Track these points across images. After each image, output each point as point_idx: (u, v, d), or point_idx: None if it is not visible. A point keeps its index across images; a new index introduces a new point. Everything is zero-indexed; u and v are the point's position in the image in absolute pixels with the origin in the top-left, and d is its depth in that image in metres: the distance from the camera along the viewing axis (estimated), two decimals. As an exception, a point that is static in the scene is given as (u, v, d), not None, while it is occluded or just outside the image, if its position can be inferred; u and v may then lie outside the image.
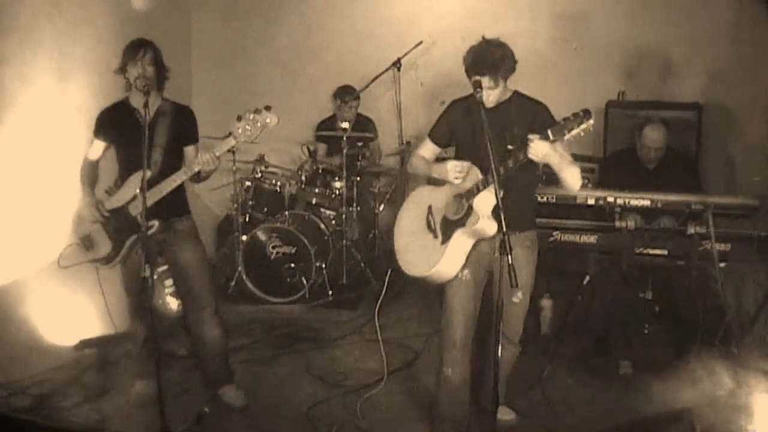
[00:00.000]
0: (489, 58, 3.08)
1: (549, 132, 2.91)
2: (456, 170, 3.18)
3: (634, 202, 3.89)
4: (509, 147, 3.05)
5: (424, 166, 3.39)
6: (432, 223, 3.30)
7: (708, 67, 5.40)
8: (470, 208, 3.14)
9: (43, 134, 4.59)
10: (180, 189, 3.50)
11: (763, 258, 3.86)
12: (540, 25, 5.65)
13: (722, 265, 3.79)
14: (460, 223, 3.16)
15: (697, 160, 5.10)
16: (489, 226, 3.11)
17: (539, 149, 2.93)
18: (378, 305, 3.70)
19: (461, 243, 3.18)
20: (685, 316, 4.12)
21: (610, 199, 3.92)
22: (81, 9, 4.96)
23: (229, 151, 5.17)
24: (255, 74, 6.43)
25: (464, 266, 3.21)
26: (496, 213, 3.07)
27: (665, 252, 3.92)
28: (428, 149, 3.41)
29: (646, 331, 4.23)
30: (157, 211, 3.35)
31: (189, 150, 3.58)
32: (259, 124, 3.30)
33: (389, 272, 3.69)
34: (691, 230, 3.79)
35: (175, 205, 3.54)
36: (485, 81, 3.09)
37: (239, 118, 3.32)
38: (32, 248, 4.52)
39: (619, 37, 5.62)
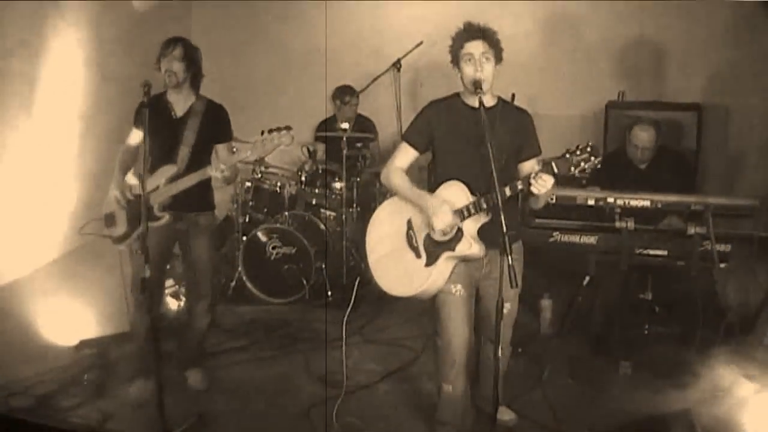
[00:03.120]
0: (479, 25, 3.03)
1: (553, 165, 2.78)
2: (444, 219, 2.99)
3: (633, 203, 3.89)
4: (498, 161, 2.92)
5: (404, 188, 3.15)
6: (414, 240, 3.14)
7: (708, 67, 5.40)
8: (460, 231, 3.02)
9: (44, 135, 4.60)
10: (206, 185, 3.61)
11: (764, 258, 3.86)
12: (540, 26, 5.66)
13: (722, 265, 3.79)
14: (449, 246, 3.03)
15: (697, 160, 5.10)
16: (479, 250, 3.03)
17: (546, 184, 2.80)
18: (347, 314, 3.61)
19: (447, 266, 3.08)
20: (685, 317, 4.12)
21: (610, 200, 3.92)
22: (82, 11, 4.97)
23: (229, 152, 5.21)
24: (255, 75, 6.43)
25: (456, 281, 3.11)
26: (481, 233, 3.04)
27: (665, 252, 3.92)
28: (405, 155, 3.18)
29: (646, 332, 4.23)
30: (176, 204, 3.51)
31: (220, 148, 3.68)
32: (275, 142, 3.32)
33: (357, 282, 3.65)
34: (691, 231, 3.79)
35: (201, 200, 3.68)
36: (480, 46, 2.96)
37: (262, 133, 3.34)
38: (32, 248, 4.53)
39: (618, 39, 5.62)
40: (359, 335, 4.63)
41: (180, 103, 3.61)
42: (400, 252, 3.18)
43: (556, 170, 2.79)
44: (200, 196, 3.65)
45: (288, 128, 3.34)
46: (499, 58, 3.05)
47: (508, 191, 2.89)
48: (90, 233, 3.80)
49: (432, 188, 3.16)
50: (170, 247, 3.83)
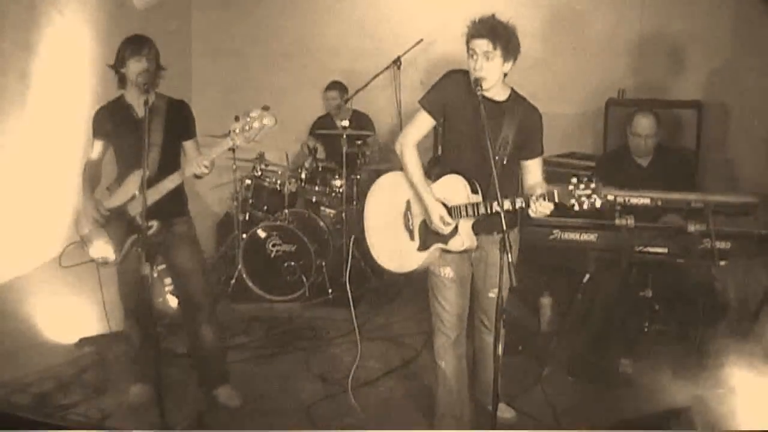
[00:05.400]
0: (491, 22, 2.98)
1: (555, 194, 2.82)
2: (441, 220, 3.05)
3: (634, 201, 3.89)
4: (496, 157, 2.96)
5: (413, 173, 3.13)
6: (410, 223, 3.22)
7: (708, 64, 5.40)
8: (455, 227, 3.08)
9: (44, 133, 4.60)
10: (179, 190, 3.46)
11: (763, 256, 3.86)
12: (540, 23, 5.65)
13: (722, 263, 3.79)
14: (443, 239, 3.11)
15: (697, 157, 5.10)
16: (471, 245, 3.10)
17: (544, 211, 2.88)
18: (346, 274, 3.64)
19: (437, 253, 3.18)
20: (685, 315, 4.12)
21: (610, 198, 3.91)
22: (81, 7, 4.96)
23: (228, 149, 5.22)
24: (255, 72, 6.43)
25: (445, 264, 3.19)
26: (475, 225, 3.10)
27: (665, 250, 3.91)
28: (421, 125, 3.15)
29: (645, 330, 4.23)
30: (156, 211, 3.29)
31: (188, 145, 3.54)
32: (256, 125, 3.23)
33: (351, 240, 3.68)
34: (691, 228, 3.79)
35: (174, 206, 3.50)
36: (483, 44, 2.94)
37: (236, 119, 3.25)
38: (32, 246, 4.52)
39: (618, 36, 5.62)
40: (359, 333, 4.62)
41: (141, 103, 3.32)
42: (395, 229, 3.27)
43: (557, 200, 2.83)
44: (172, 202, 3.44)
45: (265, 108, 3.24)
46: (509, 57, 3.01)
47: (507, 204, 2.90)
48: (73, 264, 3.62)
49: (437, 173, 3.19)
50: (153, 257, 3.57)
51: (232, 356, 4.10)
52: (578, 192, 2.78)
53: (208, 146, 3.46)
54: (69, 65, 4.84)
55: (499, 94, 3.10)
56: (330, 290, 5.18)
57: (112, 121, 3.46)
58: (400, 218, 3.26)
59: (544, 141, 3.18)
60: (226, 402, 3.70)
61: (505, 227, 2.74)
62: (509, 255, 2.72)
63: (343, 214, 5.44)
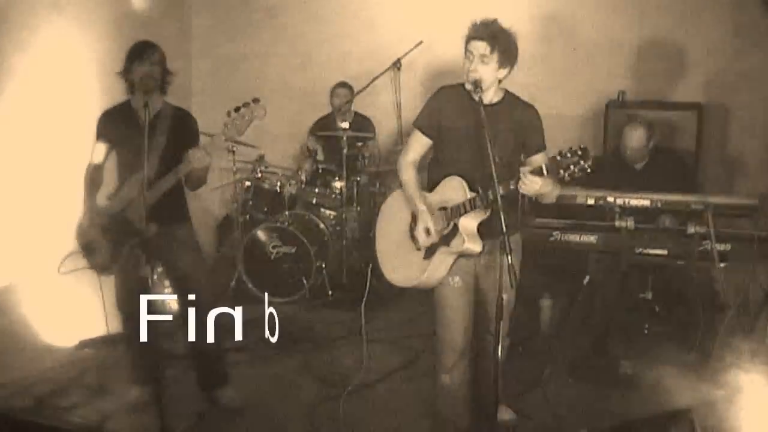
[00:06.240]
0: (492, 26, 2.98)
1: (544, 168, 2.78)
2: (425, 230, 3.11)
3: (633, 202, 3.89)
4: (497, 159, 2.92)
5: (408, 187, 3.22)
6: (415, 232, 3.22)
7: (708, 67, 5.40)
8: (455, 227, 3.06)
9: (45, 135, 4.60)
10: (179, 194, 3.47)
11: (764, 258, 3.86)
12: (540, 25, 5.65)
13: (722, 265, 3.79)
14: (445, 241, 3.10)
15: (697, 159, 5.10)
16: (474, 246, 3.06)
17: (533, 186, 2.83)
18: (363, 302, 3.67)
19: (443, 260, 3.13)
20: (685, 316, 4.12)
21: (610, 199, 3.92)
22: (81, 9, 4.96)
23: (228, 151, 5.23)
24: (255, 73, 6.42)
25: (453, 273, 3.16)
26: (481, 229, 3.07)
27: (665, 252, 3.92)
28: (418, 144, 3.22)
29: (646, 331, 4.23)
30: (155, 215, 3.28)
31: (191, 152, 3.49)
32: (246, 118, 3.25)
33: (370, 268, 3.66)
34: (691, 230, 3.80)
35: (173, 211, 3.51)
36: (481, 47, 2.94)
37: (228, 114, 3.27)
38: (33, 249, 4.52)
39: (619, 38, 5.61)
40: (359, 335, 4.62)
41: (147, 108, 3.30)
42: (403, 242, 3.26)
43: (545, 172, 2.78)
44: (172, 206, 3.45)
45: (255, 100, 3.25)
46: (506, 63, 3.01)
47: (501, 190, 2.89)
48: (70, 271, 3.63)
49: (434, 180, 3.20)
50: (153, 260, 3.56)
51: (231, 358, 4.10)
52: (565, 161, 2.73)
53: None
54: (70, 68, 4.84)
55: (493, 98, 3.10)
56: (330, 292, 5.18)
57: (117, 125, 3.47)
58: (407, 231, 3.26)
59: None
60: (227, 403, 3.70)
61: (504, 229, 2.74)
62: (509, 257, 2.71)
63: (344, 216, 5.44)
